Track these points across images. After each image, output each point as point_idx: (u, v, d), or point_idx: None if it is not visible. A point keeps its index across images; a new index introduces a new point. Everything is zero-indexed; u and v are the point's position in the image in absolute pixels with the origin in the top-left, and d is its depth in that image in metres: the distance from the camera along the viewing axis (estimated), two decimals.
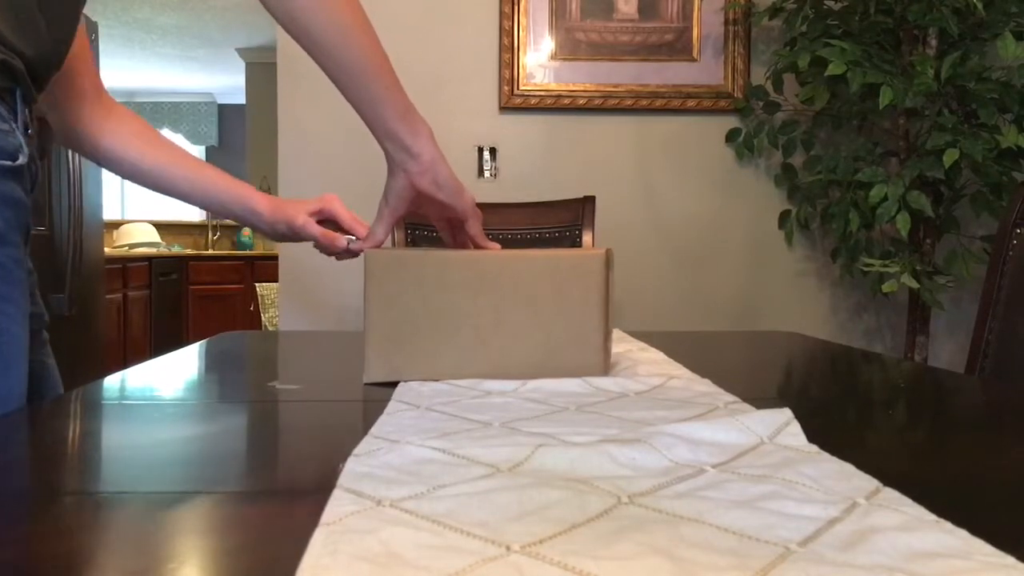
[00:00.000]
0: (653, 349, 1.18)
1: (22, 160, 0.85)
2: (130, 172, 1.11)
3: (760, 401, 0.79)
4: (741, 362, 1.23)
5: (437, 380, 0.90)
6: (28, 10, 0.86)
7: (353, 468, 0.53)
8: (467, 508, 0.46)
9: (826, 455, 0.58)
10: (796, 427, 0.64)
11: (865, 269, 2.29)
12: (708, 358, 1.24)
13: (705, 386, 0.89)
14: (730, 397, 0.82)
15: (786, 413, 0.67)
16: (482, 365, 0.91)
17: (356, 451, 0.58)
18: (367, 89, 0.94)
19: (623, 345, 1.24)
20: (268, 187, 6.91)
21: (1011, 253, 1.39)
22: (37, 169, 0.95)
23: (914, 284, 2.16)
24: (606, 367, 0.93)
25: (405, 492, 0.49)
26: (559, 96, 2.57)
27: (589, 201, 2.06)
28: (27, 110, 0.90)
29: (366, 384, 0.92)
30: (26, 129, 0.90)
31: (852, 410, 0.86)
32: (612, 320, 0.95)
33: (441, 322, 0.91)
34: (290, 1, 0.88)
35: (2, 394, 0.82)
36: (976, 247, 2.36)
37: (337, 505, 0.46)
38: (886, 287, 2.18)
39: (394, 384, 0.89)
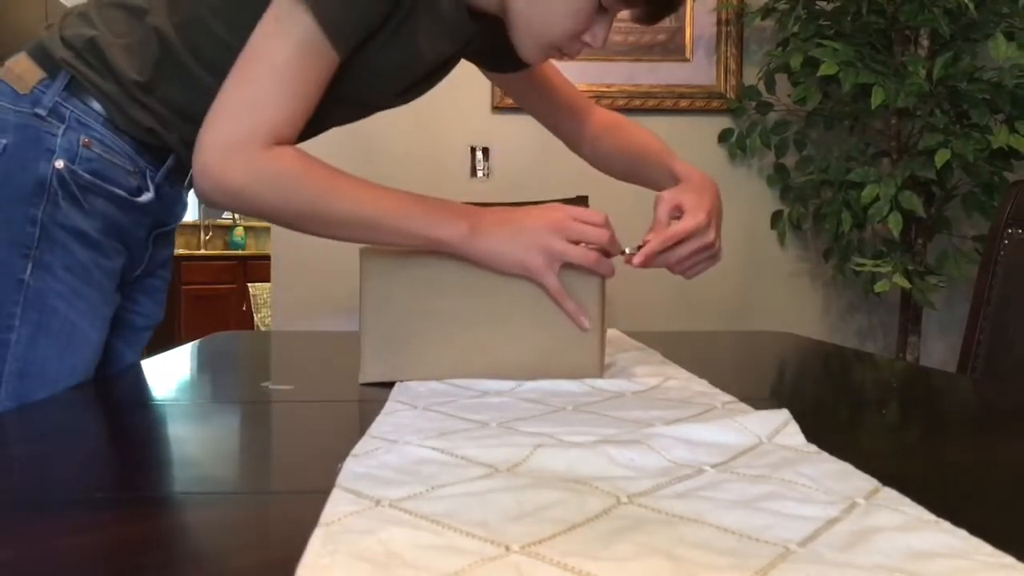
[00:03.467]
0: (650, 349, 1.18)
1: (143, 199, 0.98)
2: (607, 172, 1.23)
3: (755, 401, 0.79)
4: (735, 362, 1.24)
5: (434, 380, 0.90)
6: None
7: (352, 468, 0.53)
8: (466, 508, 0.46)
9: (825, 455, 0.58)
10: (794, 427, 0.64)
11: (857, 269, 2.29)
12: (702, 358, 1.24)
13: (702, 386, 0.89)
14: (727, 397, 0.82)
15: (784, 414, 0.67)
16: (479, 366, 0.91)
17: (355, 451, 0.57)
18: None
19: (619, 345, 1.24)
20: None
21: (1002, 253, 1.39)
22: (179, 211, 1.09)
23: (906, 284, 2.17)
24: (602, 369, 0.93)
25: (404, 492, 0.48)
26: None
27: (582, 201, 2.06)
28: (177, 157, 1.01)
29: (361, 384, 0.91)
30: (182, 177, 1.04)
31: (847, 410, 0.86)
32: (606, 322, 0.94)
33: (437, 323, 0.91)
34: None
35: (54, 375, 0.91)
36: (968, 247, 2.37)
37: (336, 505, 0.46)
38: (878, 287, 2.18)
39: (388, 384, 0.89)
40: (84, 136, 0.92)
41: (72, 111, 0.92)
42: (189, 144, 0.95)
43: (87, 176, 0.92)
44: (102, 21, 0.94)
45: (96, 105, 0.93)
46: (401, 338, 0.91)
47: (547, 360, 0.91)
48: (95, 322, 0.96)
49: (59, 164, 0.90)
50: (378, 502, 0.47)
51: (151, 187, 0.99)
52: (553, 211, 0.89)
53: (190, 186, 1.05)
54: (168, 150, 0.99)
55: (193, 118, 0.92)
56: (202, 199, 0.87)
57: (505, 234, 0.87)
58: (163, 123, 0.95)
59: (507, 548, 0.40)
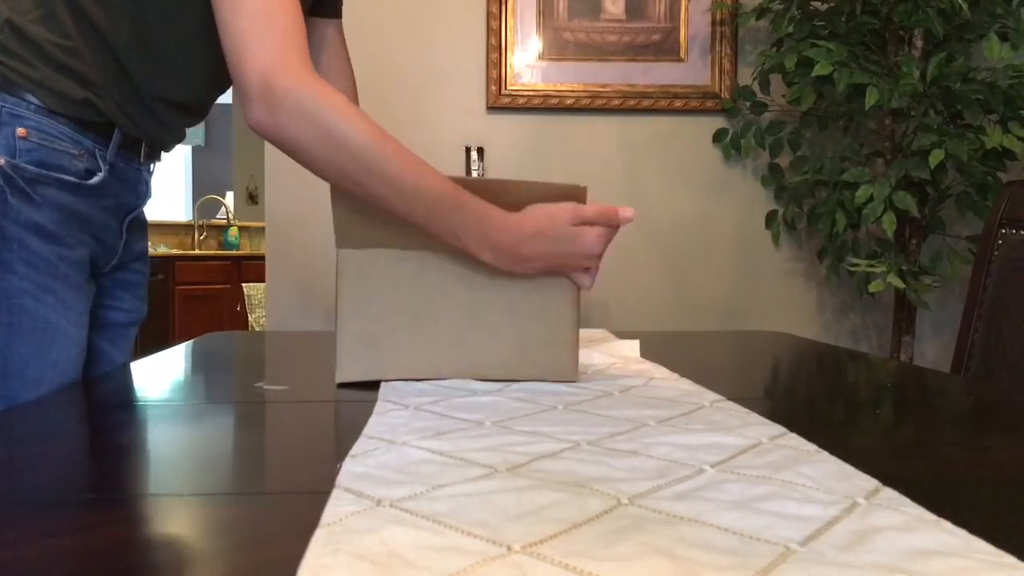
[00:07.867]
0: (626, 341, 1.18)
1: (95, 180, 0.98)
2: None
3: (747, 400, 0.79)
4: (728, 361, 1.24)
5: (411, 379, 0.90)
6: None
7: (352, 468, 0.53)
8: (467, 508, 0.46)
9: (825, 454, 0.58)
10: (794, 436, 0.64)
11: (851, 269, 2.30)
12: (695, 358, 1.24)
13: (688, 384, 0.89)
14: (714, 395, 0.82)
15: (780, 428, 0.67)
16: (456, 364, 0.90)
17: (353, 451, 0.57)
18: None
19: (599, 342, 1.23)
20: (255, 187, 6.88)
21: (996, 253, 1.39)
22: (143, 189, 1.09)
23: (900, 284, 2.17)
24: (576, 367, 0.92)
25: (405, 492, 0.48)
26: (546, 96, 2.57)
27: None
28: (122, 136, 1.00)
29: (339, 385, 0.91)
30: (136, 153, 1.04)
31: (842, 409, 0.86)
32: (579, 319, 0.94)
33: (415, 321, 0.90)
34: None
35: (36, 373, 0.93)
36: (961, 247, 2.37)
37: (337, 505, 0.46)
38: (872, 287, 2.19)
39: (373, 385, 0.88)
40: (19, 127, 0.92)
41: (2, 106, 0.92)
42: (126, 109, 0.98)
43: (31, 168, 0.92)
44: (7, 5, 0.94)
45: (27, 96, 0.93)
46: (379, 337, 0.90)
47: (525, 356, 0.91)
48: (69, 315, 0.95)
49: (0, 162, 0.90)
50: (379, 502, 0.46)
51: (102, 166, 0.98)
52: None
53: (147, 160, 1.07)
54: (110, 124, 0.98)
55: (121, 72, 0.96)
56: (255, 120, 0.84)
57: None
58: (95, 89, 0.95)
59: (509, 548, 0.40)
